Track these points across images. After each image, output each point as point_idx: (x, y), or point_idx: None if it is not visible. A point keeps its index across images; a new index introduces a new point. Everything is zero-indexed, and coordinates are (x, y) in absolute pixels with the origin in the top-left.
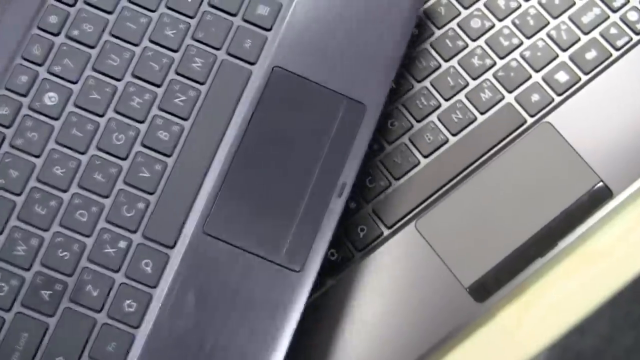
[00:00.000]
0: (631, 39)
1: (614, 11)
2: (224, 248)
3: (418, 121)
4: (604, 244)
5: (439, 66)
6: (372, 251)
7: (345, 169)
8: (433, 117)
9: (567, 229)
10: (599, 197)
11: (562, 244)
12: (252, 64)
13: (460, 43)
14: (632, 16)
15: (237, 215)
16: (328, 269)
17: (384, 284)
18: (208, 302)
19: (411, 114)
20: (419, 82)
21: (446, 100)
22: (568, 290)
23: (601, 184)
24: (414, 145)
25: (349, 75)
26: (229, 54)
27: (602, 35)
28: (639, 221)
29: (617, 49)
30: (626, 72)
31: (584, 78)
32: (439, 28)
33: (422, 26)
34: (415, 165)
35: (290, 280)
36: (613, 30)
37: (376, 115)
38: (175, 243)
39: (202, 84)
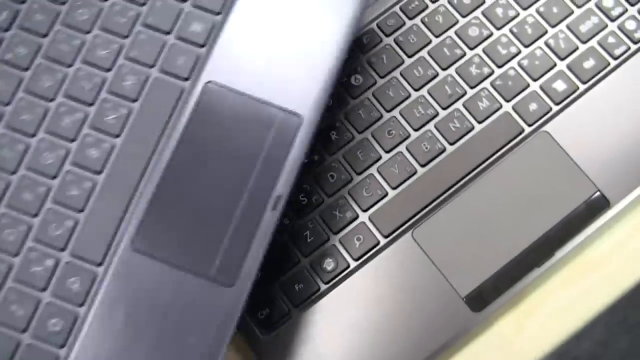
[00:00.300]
0: (629, 48)
1: (612, 20)
2: (154, 264)
3: (415, 130)
4: (600, 253)
5: (437, 74)
6: (368, 260)
7: (280, 181)
8: (430, 126)
9: (564, 239)
10: (596, 206)
11: (560, 253)
12: (185, 79)
13: (458, 51)
14: (630, 25)
15: (167, 231)
16: (325, 278)
17: (380, 293)
18: (138, 320)
19: (408, 123)
20: (416, 90)
21: (443, 109)
22: (565, 299)
23: (598, 193)
24: (411, 154)
25: (284, 87)
26: (162, 71)
27: (600, 44)
28: (635, 231)
29: (615, 58)
30: (624, 81)
31: (582, 87)
32: (436, 36)
33: (419, 34)
34: (412, 174)
35: (222, 296)
36: (611, 39)
37: (313, 126)
38: (103, 260)
39: (134, 101)
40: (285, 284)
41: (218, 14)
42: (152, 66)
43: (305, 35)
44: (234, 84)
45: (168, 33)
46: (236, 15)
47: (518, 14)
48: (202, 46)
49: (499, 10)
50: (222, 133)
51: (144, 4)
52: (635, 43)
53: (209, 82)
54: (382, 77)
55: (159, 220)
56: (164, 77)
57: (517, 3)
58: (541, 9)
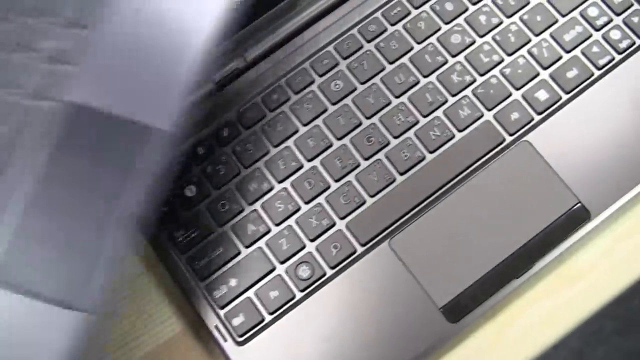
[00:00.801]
0: (614, 58)
1: (597, 29)
2: (11, 294)
3: (395, 137)
4: (580, 265)
5: (418, 81)
6: (345, 269)
7: (134, 199)
8: (410, 134)
9: (544, 250)
10: (577, 218)
11: (539, 264)
12: (50, 100)
13: (440, 58)
14: (615, 35)
15: (31, 259)
16: (300, 286)
17: (356, 303)
18: None
19: (388, 130)
20: (397, 97)
21: (424, 116)
22: (544, 311)
23: (579, 205)
24: (390, 162)
25: (144, 102)
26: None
27: (584, 53)
28: (616, 243)
29: (599, 68)
30: (608, 91)
31: (565, 97)
32: (418, 43)
33: (401, 40)
34: (391, 182)
35: (74, 320)
36: (595, 49)
37: (173, 143)
38: None
39: None
40: (261, 291)
41: (85, 27)
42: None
43: (163, 52)
44: (95, 101)
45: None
46: (102, 28)
47: (501, 22)
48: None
49: (482, 18)
50: (86, 153)
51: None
52: (619, 53)
53: (70, 101)
54: (362, 84)
55: (21, 249)
56: (30, 102)
57: (501, 10)
58: (525, 17)
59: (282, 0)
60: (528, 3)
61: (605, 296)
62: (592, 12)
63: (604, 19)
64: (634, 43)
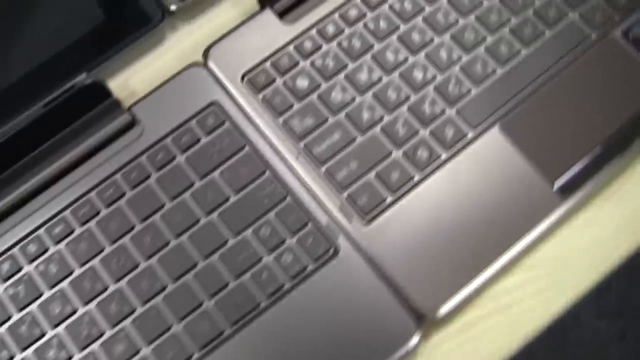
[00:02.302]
0: (282, 286)
1: (269, 251)
2: None
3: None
4: None
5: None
6: None
7: None
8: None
9: None
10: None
11: None
12: None
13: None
14: (286, 259)
15: None
16: None
17: None
18: None
19: (166, 194)
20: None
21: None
22: None
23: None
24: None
25: None
26: None
27: (252, 279)
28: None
29: (268, 296)
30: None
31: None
32: (200, 179)
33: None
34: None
35: None
36: (264, 275)
37: None
38: None
39: None
40: None
41: None
42: None
43: None
44: None
45: None
46: None
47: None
48: None
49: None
50: None
51: None
52: (292, 278)
53: None
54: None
55: None
56: None
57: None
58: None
59: None
60: (198, 221)
61: None
62: (265, 232)
63: (277, 239)
64: (305, 267)
